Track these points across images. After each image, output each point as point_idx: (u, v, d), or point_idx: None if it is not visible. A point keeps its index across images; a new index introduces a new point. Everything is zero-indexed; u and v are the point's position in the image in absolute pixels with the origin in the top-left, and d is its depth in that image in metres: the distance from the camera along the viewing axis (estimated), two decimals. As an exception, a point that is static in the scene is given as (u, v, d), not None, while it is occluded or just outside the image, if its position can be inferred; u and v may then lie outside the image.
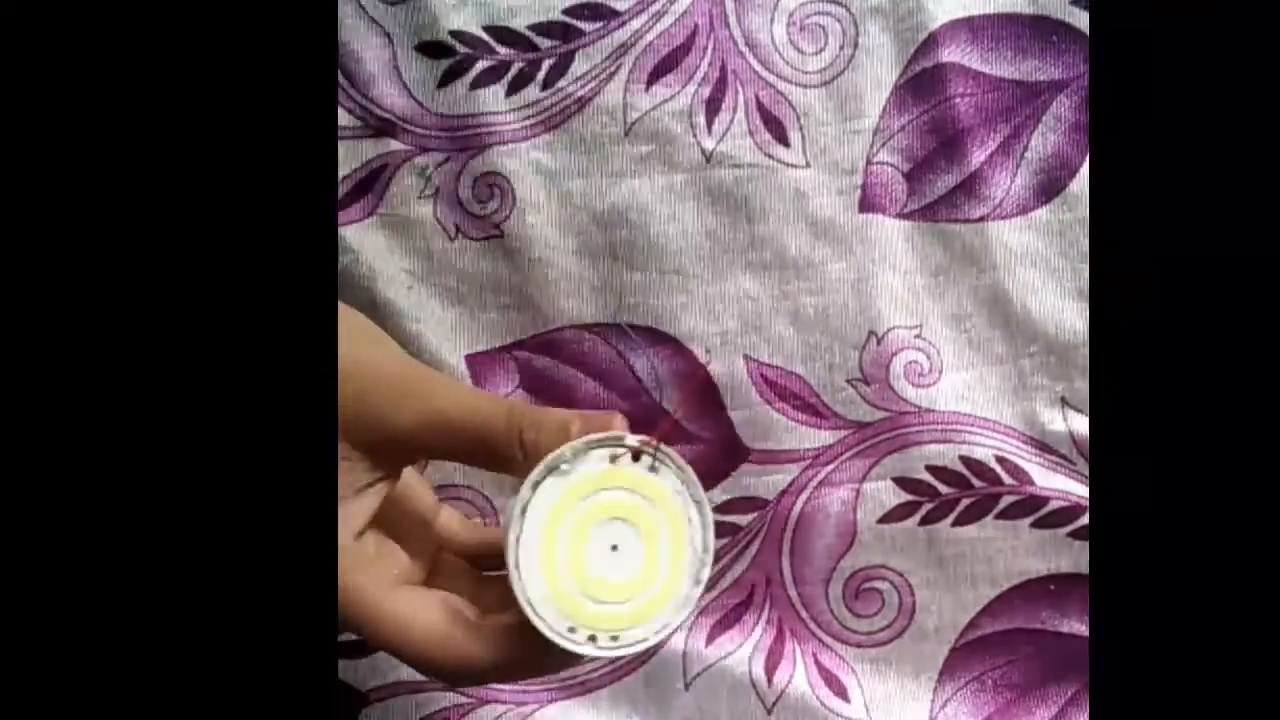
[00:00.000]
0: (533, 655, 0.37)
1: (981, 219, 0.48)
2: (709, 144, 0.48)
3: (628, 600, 0.36)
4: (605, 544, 0.37)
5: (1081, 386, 0.48)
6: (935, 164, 0.48)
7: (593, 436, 0.37)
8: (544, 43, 0.47)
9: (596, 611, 0.36)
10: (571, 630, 0.36)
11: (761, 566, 0.49)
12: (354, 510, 0.38)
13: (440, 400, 0.38)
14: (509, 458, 0.38)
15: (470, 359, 0.48)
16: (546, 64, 0.47)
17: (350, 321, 0.41)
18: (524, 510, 0.36)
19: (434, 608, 0.38)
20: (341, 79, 0.48)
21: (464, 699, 0.49)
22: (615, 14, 0.47)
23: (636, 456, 0.37)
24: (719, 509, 0.49)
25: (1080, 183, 0.48)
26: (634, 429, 0.48)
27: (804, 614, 0.49)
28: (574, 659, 0.38)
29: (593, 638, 0.36)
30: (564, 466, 0.36)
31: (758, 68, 0.48)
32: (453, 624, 0.38)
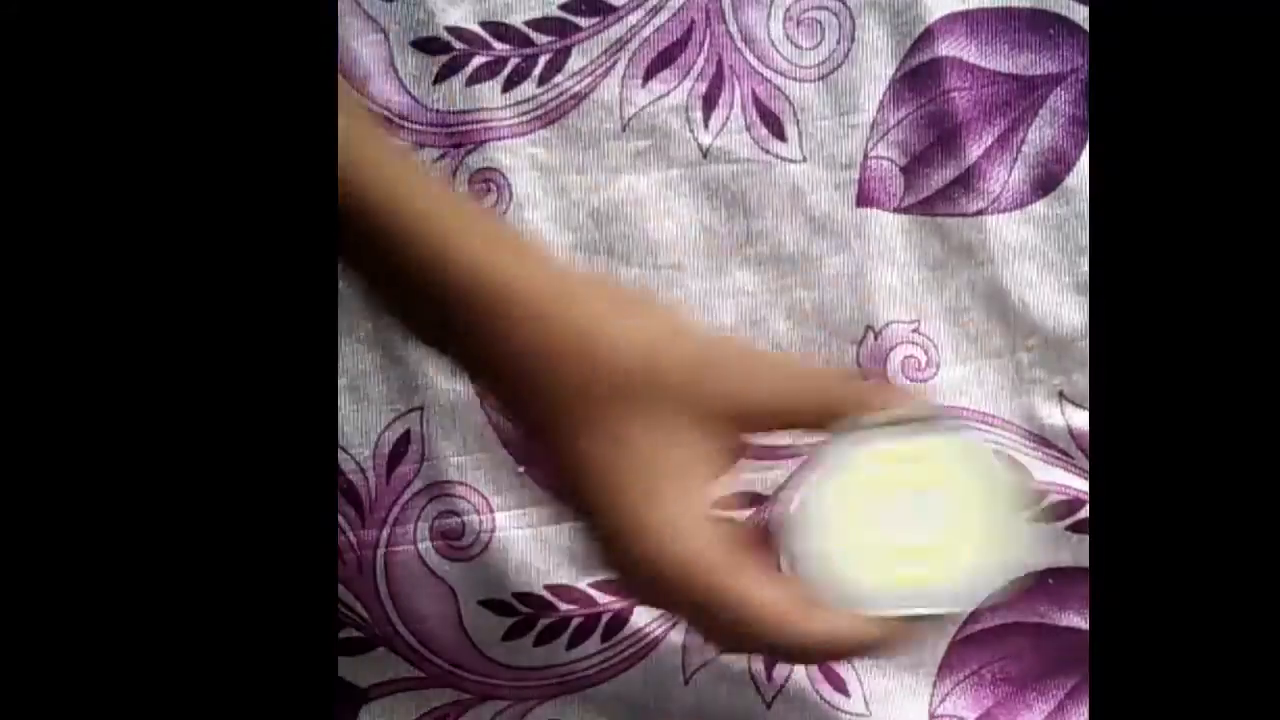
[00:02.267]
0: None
1: (979, 213, 0.48)
2: (706, 139, 0.48)
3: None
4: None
5: (1079, 380, 0.48)
6: (932, 158, 0.48)
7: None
8: (540, 38, 0.47)
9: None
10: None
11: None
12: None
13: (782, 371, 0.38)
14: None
15: (468, 355, 0.48)
16: (543, 59, 0.47)
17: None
18: None
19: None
20: (337, 75, 0.48)
21: (463, 695, 0.49)
22: (612, 9, 0.47)
23: None
24: (717, 504, 0.48)
25: (1077, 176, 0.48)
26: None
27: (803, 609, 0.49)
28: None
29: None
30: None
31: (754, 63, 0.48)
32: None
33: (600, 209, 0.48)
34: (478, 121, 0.48)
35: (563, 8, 0.47)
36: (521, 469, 0.48)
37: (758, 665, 0.49)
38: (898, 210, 0.48)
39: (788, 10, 0.47)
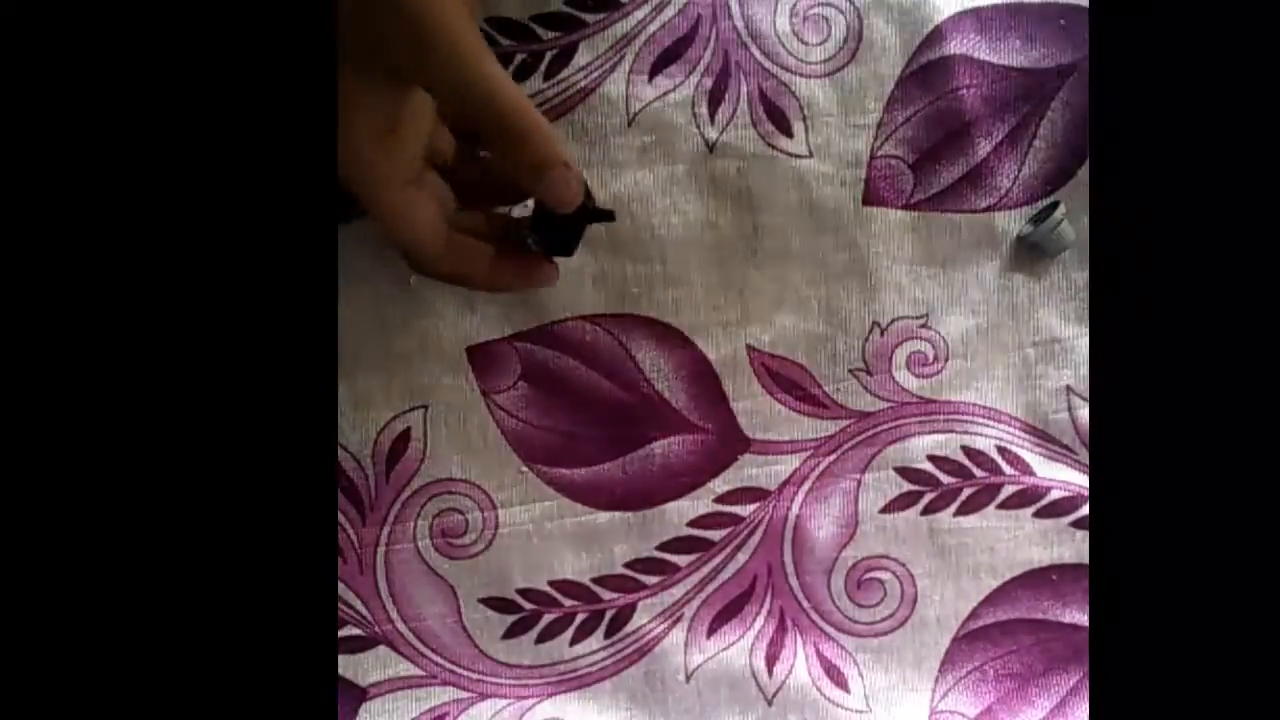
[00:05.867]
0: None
1: (988, 209, 0.49)
2: (712, 134, 0.48)
3: None
4: None
5: (1086, 376, 0.49)
6: (941, 155, 0.49)
7: None
8: (546, 34, 0.47)
9: None
10: None
11: (763, 557, 0.49)
12: (379, 111, 0.40)
13: (506, 91, 0.39)
14: (531, 174, 0.40)
15: (471, 350, 0.48)
16: (549, 55, 0.47)
17: None
18: None
19: (434, 208, 0.43)
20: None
21: (463, 694, 0.49)
22: (618, 5, 0.47)
23: None
24: (721, 499, 0.49)
25: (1089, 169, 0.48)
26: (635, 420, 0.48)
27: (806, 604, 0.49)
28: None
29: None
30: None
31: (760, 59, 0.48)
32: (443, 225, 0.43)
33: (606, 204, 0.48)
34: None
35: (569, 3, 0.47)
36: (525, 467, 0.48)
37: (759, 662, 0.49)
38: (906, 207, 0.49)
39: (794, 6, 0.48)
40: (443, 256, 0.43)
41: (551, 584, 0.49)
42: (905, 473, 0.49)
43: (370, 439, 0.48)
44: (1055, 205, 0.48)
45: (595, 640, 0.49)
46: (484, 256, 0.44)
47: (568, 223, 0.43)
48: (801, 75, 0.48)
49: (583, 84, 0.47)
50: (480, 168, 0.46)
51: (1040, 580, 0.49)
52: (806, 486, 0.49)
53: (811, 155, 0.48)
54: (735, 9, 0.47)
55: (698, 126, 0.48)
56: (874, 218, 0.49)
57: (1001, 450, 0.48)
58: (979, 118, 0.48)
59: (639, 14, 0.47)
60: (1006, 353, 0.49)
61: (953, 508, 0.49)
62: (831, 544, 0.49)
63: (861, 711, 0.49)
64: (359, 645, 0.49)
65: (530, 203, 0.45)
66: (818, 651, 0.49)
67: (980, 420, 0.49)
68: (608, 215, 0.44)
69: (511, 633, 0.49)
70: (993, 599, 0.49)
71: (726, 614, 0.49)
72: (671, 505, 0.49)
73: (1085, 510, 0.48)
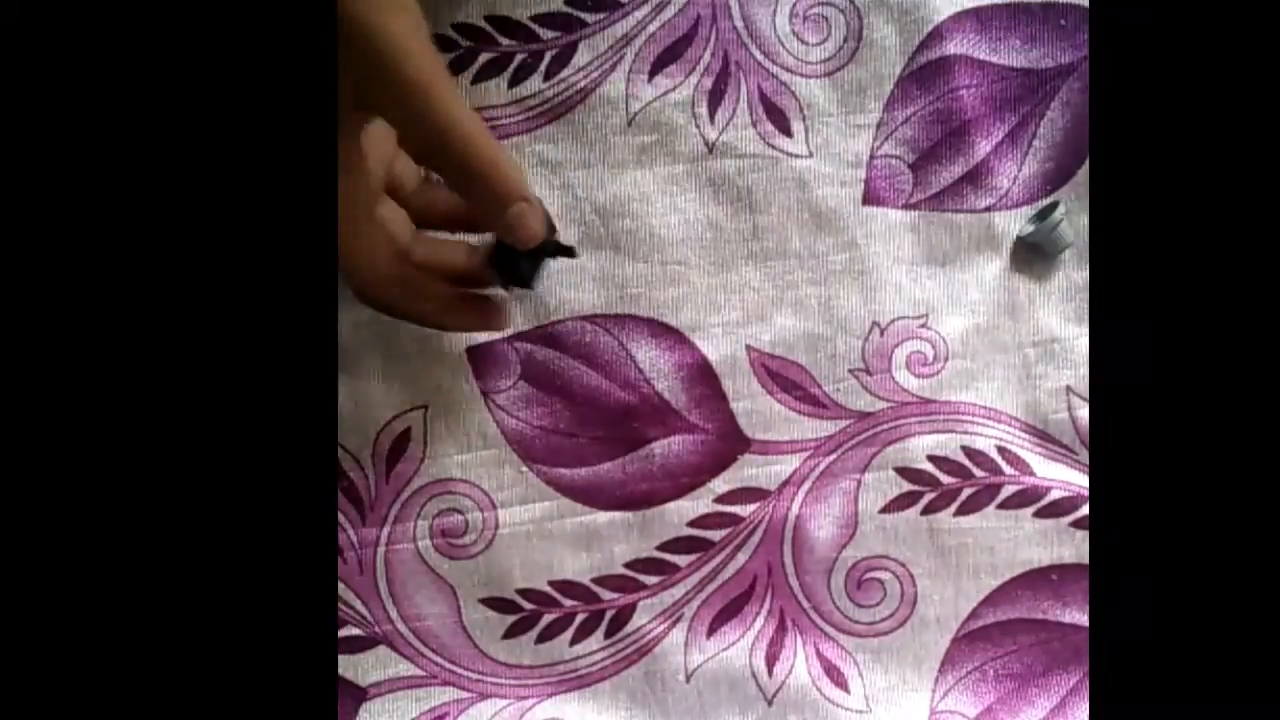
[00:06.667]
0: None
1: (988, 209, 0.49)
2: (711, 134, 0.48)
3: None
4: None
5: (1086, 375, 0.49)
6: (940, 155, 0.49)
7: None
8: (546, 34, 0.47)
9: None
10: None
11: (763, 557, 0.49)
12: (344, 139, 0.40)
13: (465, 125, 0.39)
14: (491, 210, 0.40)
15: (471, 350, 0.48)
16: (549, 55, 0.47)
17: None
18: None
19: (391, 243, 0.43)
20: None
21: (463, 694, 0.49)
22: (618, 4, 0.47)
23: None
24: (721, 499, 0.49)
25: (1089, 169, 0.48)
26: (635, 420, 0.48)
27: (805, 604, 0.49)
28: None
29: None
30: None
31: (760, 58, 0.48)
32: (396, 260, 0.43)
33: (606, 204, 0.48)
34: (484, 118, 0.47)
35: (569, 3, 0.47)
36: (525, 467, 0.48)
37: (759, 662, 0.49)
38: (906, 207, 0.49)
39: (794, 6, 0.48)
40: (394, 291, 0.43)
41: (551, 584, 0.49)
42: (905, 473, 0.49)
43: (370, 439, 0.48)
44: (1055, 205, 0.48)
45: (595, 640, 0.49)
46: (437, 295, 0.44)
47: (528, 256, 0.43)
48: (801, 75, 0.48)
49: (582, 84, 0.47)
50: (440, 194, 0.46)
51: (1040, 580, 0.49)
52: (806, 486, 0.49)
53: (811, 155, 0.48)
54: (735, 9, 0.47)
55: (698, 126, 0.48)
56: (874, 217, 0.49)
57: (1001, 450, 0.48)
58: (978, 118, 0.48)
59: (639, 14, 0.47)
60: (1006, 353, 0.49)
61: (953, 508, 0.49)
62: (831, 544, 0.49)
63: (861, 711, 0.49)
64: (359, 645, 0.49)
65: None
66: (818, 651, 0.49)
67: (980, 420, 0.49)
68: (568, 251, 0.44)
69: (511, 633, 0.49)
70: (993, 599, 0.49)
71: (726, 614, 0.49)
72: (671, 505, 0.49)
73: (1085, 510, 0.48)
